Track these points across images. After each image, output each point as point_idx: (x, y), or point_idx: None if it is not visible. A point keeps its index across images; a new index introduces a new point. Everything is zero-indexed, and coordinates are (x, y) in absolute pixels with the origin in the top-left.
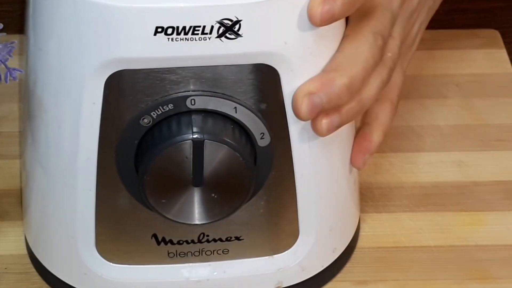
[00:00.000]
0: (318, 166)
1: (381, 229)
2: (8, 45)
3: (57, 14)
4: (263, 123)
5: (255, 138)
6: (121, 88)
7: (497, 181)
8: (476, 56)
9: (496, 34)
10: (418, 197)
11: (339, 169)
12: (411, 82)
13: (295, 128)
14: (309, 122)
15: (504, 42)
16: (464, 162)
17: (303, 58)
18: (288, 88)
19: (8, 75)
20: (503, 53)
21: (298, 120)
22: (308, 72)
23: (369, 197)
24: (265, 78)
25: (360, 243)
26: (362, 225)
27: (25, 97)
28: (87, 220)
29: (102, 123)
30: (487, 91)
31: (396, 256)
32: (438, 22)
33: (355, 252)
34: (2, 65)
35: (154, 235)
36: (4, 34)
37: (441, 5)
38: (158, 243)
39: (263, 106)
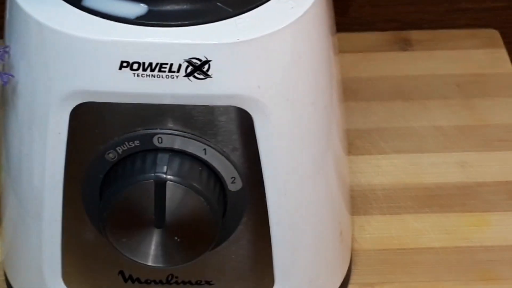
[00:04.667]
0: (296, 214)
1: (386, 231)
2: (1, 49)
3: (26, 38)
4: (234, 167)
5: (225, 182)
6: (87, 120)
7: (501, 182)
8: (477, 56)
9: (496, 34)
10: (422, 198)
11: (321, 219)
12: (412, 83)
13: (270, 174)
14: (285, 168)
15: (504, 42)
16: (467, 162)
17: (278, 104)
18: (262, 133)
19: None
20: (504, 53)
21: (272, 165)
22: (285, 118)
23: (373, 198)
24: (238, 121)
25: (365, 245)
26: (366, 227)
27: (2, 115)
28: (54, 250)
29: (68, 154)
30: (488, 91)
31: (402, 258)
32: (438, 22)
33: (360, 255)
34: None
35: (121, 272)
36: None
37: (441, 5)
38: (125, 280)
39: (235, 149)
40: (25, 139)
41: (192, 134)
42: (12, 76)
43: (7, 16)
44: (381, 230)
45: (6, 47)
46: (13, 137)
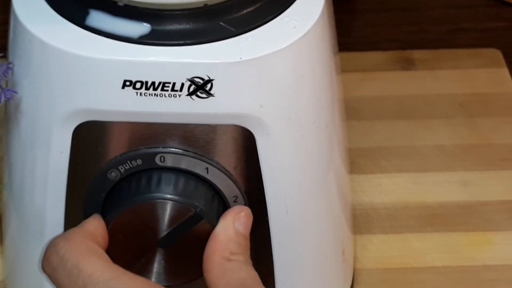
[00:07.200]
0: (298, 233)
1: (388, 250)
2: (4, 66)
3: (29, 57)
4: (236, 186)
5: (227, 201)
6: (89, 139)
7: (503, 201)
8: (479, 75)
9: (498, 54)
10: (424, 218)
11: (323, 238)
12: (415, 102)
13: (272, 193)
14: (287, 187)
15: (506, 62)
16: (469, 181)
17: (281, 123)
18: (265, 152)
19: (2, 96)
20: (506, 72)
21: (274, 184)
22: (287, 137)
23: (375, 217)
24: (240, 140)
25: (367, 265)
26: (369, 246)
27: (5, 132)
28: None
29: (70, 173)
30: (490, 110)
31: (404, 278)
32: (440, 42)
33: (362, 274)
34: None
35: None
36: (1, 54)
37: (443, 25)
38: None
39: (237, 168)
40: (27, 157)
41: (194, 153)
42: (16, 92)
43: (11, 35)
44: (384, 249)
45: (10, 63)
46: (15, 155)
